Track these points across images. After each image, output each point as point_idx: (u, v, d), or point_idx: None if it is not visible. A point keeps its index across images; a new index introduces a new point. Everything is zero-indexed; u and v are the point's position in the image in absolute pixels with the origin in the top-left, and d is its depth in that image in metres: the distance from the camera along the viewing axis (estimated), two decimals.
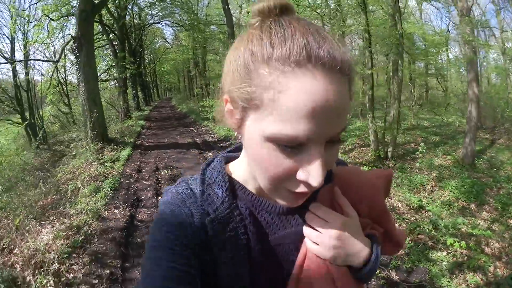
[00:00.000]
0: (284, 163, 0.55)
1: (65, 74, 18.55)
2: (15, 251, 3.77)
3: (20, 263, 3.54)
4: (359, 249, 0.69)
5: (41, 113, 16.21)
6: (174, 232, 0.64)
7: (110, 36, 18.45)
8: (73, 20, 12.82)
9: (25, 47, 16.08)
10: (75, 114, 18.68)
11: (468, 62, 9.32)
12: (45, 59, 18.67)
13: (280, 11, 0.58)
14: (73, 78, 21.43)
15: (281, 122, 0.52)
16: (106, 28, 17.75)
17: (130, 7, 20.05)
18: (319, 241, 0.69)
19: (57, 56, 19.35)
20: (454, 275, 3.80)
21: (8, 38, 16.94)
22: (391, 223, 0.79)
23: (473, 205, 6.35)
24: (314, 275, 0.68)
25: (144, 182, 6.48)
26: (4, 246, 3.89)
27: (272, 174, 0.57)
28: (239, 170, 0.75)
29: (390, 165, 8.20)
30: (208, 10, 25.81)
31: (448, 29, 17.03)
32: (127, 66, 17.35)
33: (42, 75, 17.58)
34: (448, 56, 17.80)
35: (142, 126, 14.15)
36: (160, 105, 29.30)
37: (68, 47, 11.63)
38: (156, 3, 20.34)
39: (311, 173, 0.54)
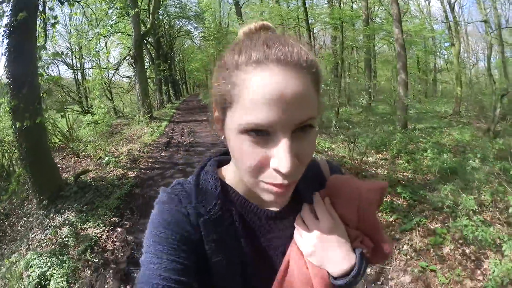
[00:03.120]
0: (256, 153, 0.60)
1: (108, 75, 24.35)
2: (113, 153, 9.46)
3: (116, 153, 9.07)
4: (339, 259, 0.72)
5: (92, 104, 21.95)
6: (173, 228, 0.68)
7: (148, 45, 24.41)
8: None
9: (80, 56, 22.59)
10: (116, 106, 24.51)
11: (396, 55, 12.41)
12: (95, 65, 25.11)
13: (259, 29, 0.69)
14: (114, 78, 27.60)
15: (246, 113, 0.58)
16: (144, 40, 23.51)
17: (161, 16, 25.44)
18: (304, 234, 0.75)
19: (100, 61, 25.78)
20: None
21: (68, 49, 23.58)
22: (380, 234, 0.80)
23: (373, 151, 8.83)
24: (296, 276, 0.72)
25: (175, 133, 12.16)
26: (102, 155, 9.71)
27: (248, 165, 0.61)
28: (230, 174, 0.80)
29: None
30: (230, 18, 30.81)
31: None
32: (161, 69, 23.23)
33: (89, 75, 23.84)
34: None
35: (174, 113, 19.61)
36: (189, 99, 33.43)
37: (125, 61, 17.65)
38: (182, 18, 26.37)
39: (279, 160, 0.58)
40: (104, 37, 21.41)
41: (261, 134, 0.58)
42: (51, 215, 5.27)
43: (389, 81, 22.62)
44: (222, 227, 0.72)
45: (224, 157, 0.86)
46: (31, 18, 5.45)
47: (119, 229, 4.53)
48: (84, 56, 23.32)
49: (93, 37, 18.84)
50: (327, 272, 0.72)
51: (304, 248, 0.73)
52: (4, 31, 5.30)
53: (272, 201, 0.65)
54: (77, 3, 9.98)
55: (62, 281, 3.54)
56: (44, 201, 5.52)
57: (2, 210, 6.19)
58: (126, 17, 17.92)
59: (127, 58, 16.35)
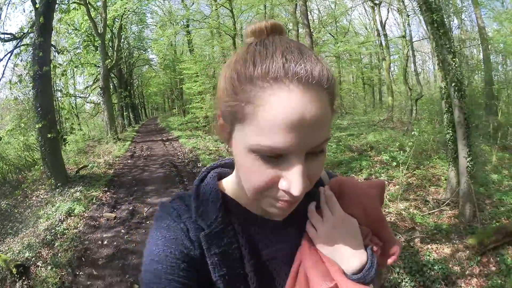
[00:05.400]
0: (266, 173, 0.57)
1: (76, 101, 27.52)
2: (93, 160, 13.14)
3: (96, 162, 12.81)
4: (352, 253, 0.71)
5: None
6: (171, 246, 0.66)
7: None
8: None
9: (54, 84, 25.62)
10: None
11: None
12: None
13: (270, 31, 0.63)
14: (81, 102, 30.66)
15: (261, 134, 0.54)
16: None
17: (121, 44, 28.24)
18: (317, 226, 0.73)
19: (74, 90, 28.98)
20: None
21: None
22: (388, 230, 0.80)
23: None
24: (313, 272, 0.69)
25: (136, 149, 16.07)
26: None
27: (255, 184, 0.60)
28: (232, 186, 0.77)
29: None
30: (184, 47, 32.14)
31: None
32: (123, 96, 26.92)
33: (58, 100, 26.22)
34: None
35: (135, 135, 23.42)
36: (147, 123, 38.32)
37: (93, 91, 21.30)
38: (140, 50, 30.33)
39: (292, 183, 0.56)
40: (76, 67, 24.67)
41: (273, 155, 0.56)
42: (66, 189, 9.06)
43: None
44: (224, 240, 0.69)
45: (224, 170, 0.84)
46: (50, 69, 9.26)
47: (108, 193, 8.53)
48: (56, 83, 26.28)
49: (65, 68, 21.94)
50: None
51: (318, 240, 0.73)
52: (34, 77, 9.06)
53: (277, 214, 0.65)
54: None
55: (81, 209, 7.38)
56: (58, 184, 9.25)
57: (10, 203, 9.32)
58: (93, 49, 21.33)
59: (95, 88, 20.03)
